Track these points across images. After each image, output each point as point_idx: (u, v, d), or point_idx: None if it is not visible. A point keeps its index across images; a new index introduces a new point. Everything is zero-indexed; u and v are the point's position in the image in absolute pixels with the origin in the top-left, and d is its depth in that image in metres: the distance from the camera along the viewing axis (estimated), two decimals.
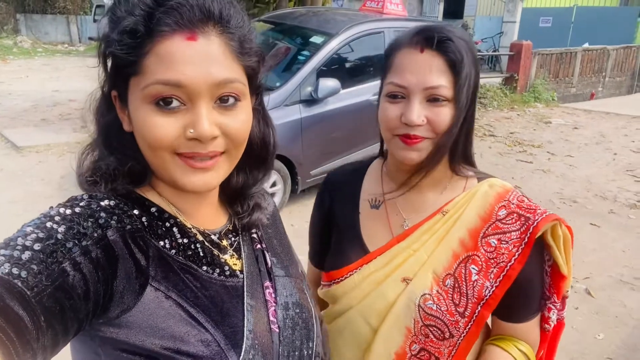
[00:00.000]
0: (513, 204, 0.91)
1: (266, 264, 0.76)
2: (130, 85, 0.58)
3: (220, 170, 0.62)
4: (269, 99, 3.80)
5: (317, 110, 4.23)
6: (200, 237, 0.67)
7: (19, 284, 0.45)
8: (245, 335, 0.63)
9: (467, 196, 0.93)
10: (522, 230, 0.88)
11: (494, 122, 8.20)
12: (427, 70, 0.84)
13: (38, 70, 11.18)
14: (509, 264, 0.86)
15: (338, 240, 1.03)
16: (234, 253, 0.72)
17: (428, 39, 0.84)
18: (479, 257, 0.88)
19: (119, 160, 0.63)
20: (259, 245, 0.77)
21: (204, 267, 0.65)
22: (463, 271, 0.88)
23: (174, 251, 0.62)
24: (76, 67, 11.47)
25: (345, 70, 4.72)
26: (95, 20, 14.84)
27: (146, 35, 0.55)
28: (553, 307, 0.94)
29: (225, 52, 0.57)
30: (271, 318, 0.70)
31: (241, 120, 0.61)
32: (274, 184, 4.13)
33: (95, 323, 0.55)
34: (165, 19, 0.54)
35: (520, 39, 10.50)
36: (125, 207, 0.60)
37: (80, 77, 9.68)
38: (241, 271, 0.70)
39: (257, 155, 0.73)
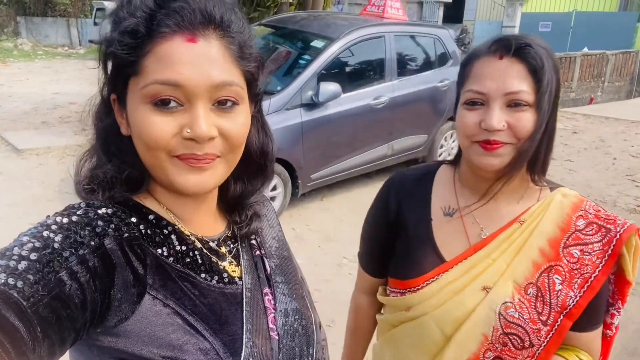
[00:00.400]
0: (590, 214, 0.92)
1: (265, 270, 0.75)
2: (129, 86, 0.58)
3: (217, 172, 0.61)
4: (270, 103, 3.81)
5: (318, 114, 4.23)
6: (198, 244, 0.67)
7: (15, 294, 0.45)
8: (244, 343, 0.63)
9: (542, 205, 0.93)
10: (604, 241, 0.89)
11: None
12: (507, 76, 0.83)
13: (38, 73, 11.19)
14: (594, 275, 0.87)
15: (407, 247, 1.00)
16: (233, 260, 0.71)
17: (507, 46, 0.84)
18: (561, 267, 0.88)
19: (116, 168, 0.62)
20: (258, 252, 0.77)
21: (202, 275, 0.64)
22: (546, 281, 0.88)
23: (172, 259, 0.62)
24: (76, 70, 11.50)
25: (346, 75, 4.73)
26: (96, 24, 14.86)
27: (146, 36, 0.55)
28: (617, 314, 0.95)
29: (224, 56, 0.57)
30: (270, 325, 0.69)
31: (239, 123, 0.60)
32: (274, 188, 4.13)
33: (93, 332, 0.55)
34: (166, 21, 0.55)
35: None
36: (122, 215, 0.60)
37: (80, 80, 9.70)
38: (240, 278, 0.69)
39: (256, 163, 0.73)
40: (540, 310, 0.87)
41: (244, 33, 0.60)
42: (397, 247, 1.02)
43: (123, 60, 0.56)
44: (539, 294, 0.88)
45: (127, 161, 0.63)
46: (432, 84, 5.10)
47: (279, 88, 4.14)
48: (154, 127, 0.56)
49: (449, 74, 5.16)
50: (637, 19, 14.22)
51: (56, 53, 15.14)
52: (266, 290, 0.72)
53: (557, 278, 0.88)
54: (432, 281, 0.93)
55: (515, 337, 0.88)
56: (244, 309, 0.66)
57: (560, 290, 0.87)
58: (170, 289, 0.59)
